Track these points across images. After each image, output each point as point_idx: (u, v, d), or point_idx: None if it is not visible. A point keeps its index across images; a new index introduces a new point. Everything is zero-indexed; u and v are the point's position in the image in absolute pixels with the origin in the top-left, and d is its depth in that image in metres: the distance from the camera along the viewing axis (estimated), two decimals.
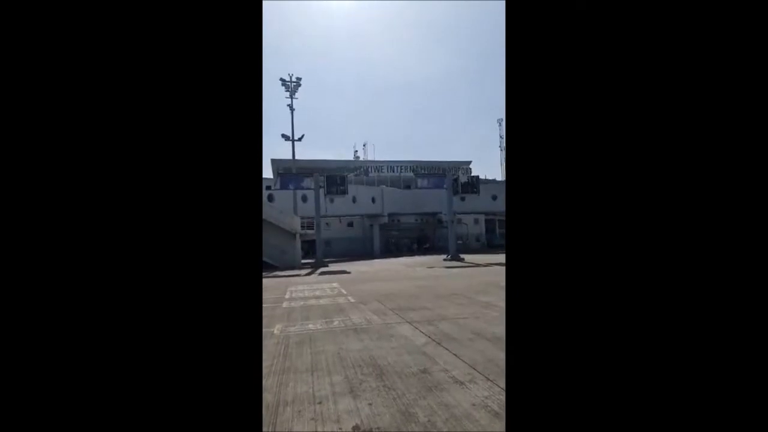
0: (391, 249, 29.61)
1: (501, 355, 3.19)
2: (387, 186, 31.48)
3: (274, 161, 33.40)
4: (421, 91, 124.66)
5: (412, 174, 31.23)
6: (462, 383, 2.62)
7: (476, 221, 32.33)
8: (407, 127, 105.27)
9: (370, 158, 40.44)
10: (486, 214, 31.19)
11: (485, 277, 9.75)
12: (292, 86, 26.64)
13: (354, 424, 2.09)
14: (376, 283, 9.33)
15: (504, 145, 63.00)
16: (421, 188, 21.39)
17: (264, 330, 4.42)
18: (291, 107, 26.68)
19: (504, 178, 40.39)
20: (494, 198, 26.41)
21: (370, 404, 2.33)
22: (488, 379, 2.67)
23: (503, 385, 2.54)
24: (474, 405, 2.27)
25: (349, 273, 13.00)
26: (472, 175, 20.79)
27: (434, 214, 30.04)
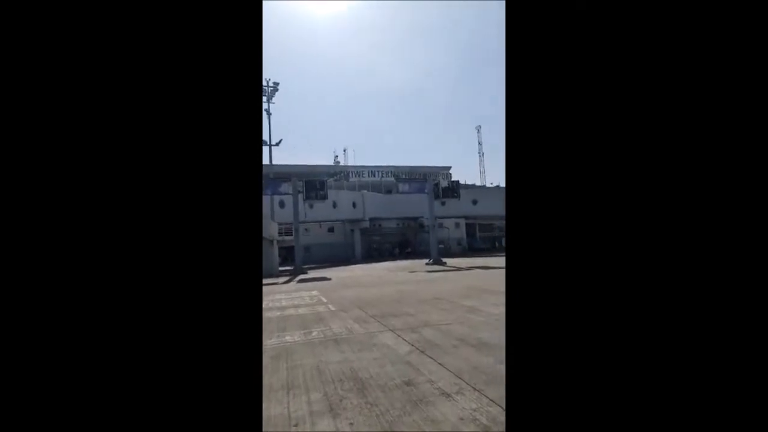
0: (373, 254, 29.42)
1: (487, 362, 3.09)
2: (368, 191, 31.29)
3: None
4: (401, 98, 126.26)
5: (393, 179, 31.29)
6: (448, 395, 2.48)
7: (457, 225, 32.65)
8: (387, 133, 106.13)
9: (350, 164, 40.23)
10: (466, 218, 31.57)
11: (467, 281, 9.75)
12: (269, 91, 26.49)
13: None
14: (358, 290, 9.12)
15: (482, 151, 64.72)
16: (402, 193, 21.40)
17: None
18: (268, 111, 26.40)
19: (482, 184, 41.27)
20: (474, 202, 26.81)
21: (351, 423, 2.15)
22: (475, 389, 2.54)
23: (491, 395, 2.42)
24: (462, 419, 2.13)
25: (329, 279, 12.70)
26: (452, 180, 20.99)
27: (416, 219, 30.17)
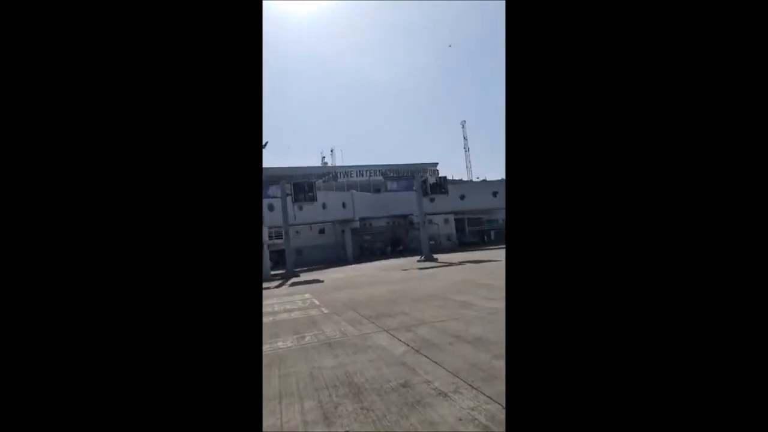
0: (365, 253, 29.34)
1: (483, 358, 3.07)
2: (357, 191, 31.15)
3: None
4: (385, 97, 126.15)
5: (381, 177, 31.20)
6: (446, 395, 2.44)
7: (446, 221, 32.82)
8: (374, 132, 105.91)
9: (338, 164, 39.95)
10: (455, 213, 31.76)
11: (460, 275, 9.78)
12: None
13: None
14: (351, 291, 9.03)
15: (467, 146, 65.15)
16: (391, 191, 21.31)
17: None
18: None
19: (469, 178, 41.57)
20: (462, 198, 26.91)
21: (346, 431, 2.08)
22: (473, 387, 2.51)
23: (489, 392, 2.39)
24: (461, 419, 2.09)
25: (322, 282, 12.57)
26: (440, 176, 21.02)
27: (405, 216, 30.18)
